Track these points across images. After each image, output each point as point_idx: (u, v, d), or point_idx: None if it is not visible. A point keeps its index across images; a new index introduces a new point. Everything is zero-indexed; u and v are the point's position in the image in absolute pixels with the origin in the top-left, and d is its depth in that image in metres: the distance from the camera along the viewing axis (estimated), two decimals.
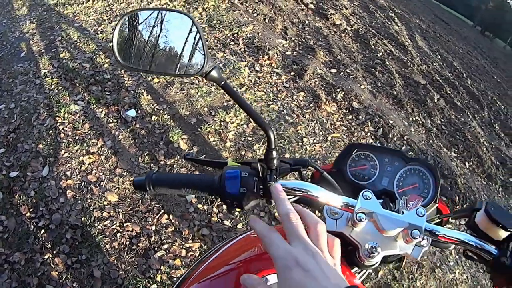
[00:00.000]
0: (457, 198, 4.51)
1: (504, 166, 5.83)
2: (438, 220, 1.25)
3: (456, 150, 5.61)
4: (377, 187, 1.28)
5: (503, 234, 1.01)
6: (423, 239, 1.01)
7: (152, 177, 1.08)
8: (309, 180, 1.27)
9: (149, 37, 1.06)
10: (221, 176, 1.02)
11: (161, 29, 1.04)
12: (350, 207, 1.00)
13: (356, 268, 1.10)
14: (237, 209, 1.06)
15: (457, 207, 4.38)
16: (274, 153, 1.03)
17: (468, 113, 6.97)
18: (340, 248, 0.91)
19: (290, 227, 0.74)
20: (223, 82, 1.00)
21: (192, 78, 1.04)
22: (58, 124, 4.00)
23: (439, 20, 17.95)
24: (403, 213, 0.99)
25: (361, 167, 1.31)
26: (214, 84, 4.46)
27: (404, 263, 1.34)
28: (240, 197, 1.02)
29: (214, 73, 0.99)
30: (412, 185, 1.26)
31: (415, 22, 12.42)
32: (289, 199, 1.09)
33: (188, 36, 1.01)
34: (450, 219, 1.30)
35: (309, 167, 1.18)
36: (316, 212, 1.10)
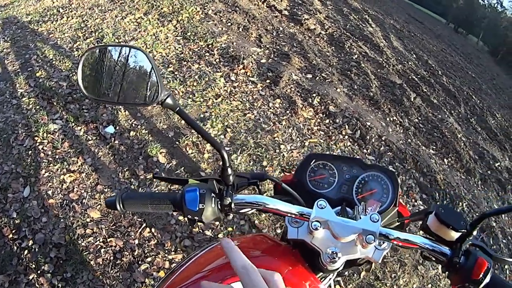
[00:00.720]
0: (437, 194, 4.61)
1: (482, 160, 5.96)
2: (398, 224, 1.30)
3: (434, 147, 5.72)
4: (336, 195, 1.31)
5: (454, 235, 1.05)
6: (381, 243, 1.07)
7: (122, 196, 1.16)
8: (272, 191, 1.34)
9: (109, 71, 1.17)
10: (182, 194, 1.08)
11: (119, 63, 1.15)
12: (305, 216, 1.06)
13: (321, 274, 1.15)
14: (199, 223, 1.13)
15: (438, 203, 4.40)
16: (229, 170, 1.12)
17: (445, 110, 7.09)
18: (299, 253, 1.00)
19: (249, 281, 0.72)
20: (177, 109, 1.10)
21: (151, 105, 1.09)
22: (38, 144, 3.99)
23: (413, 20, 18.09)
24: (360, 219, 1.04)
25: (320, 177, 1.35)
26: (191, 96, 4.55)
27: (373, 265, 1.40)
28: (200, 213, 1.07)
29: (169, 101, 1.09)
30: (370, 191, 1.30)
31: (389, 23, 12.53)
32: (248, 211, 1.17)
33: (143, 69, 1.12)
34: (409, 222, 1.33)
35: (267, 180, 1.24)
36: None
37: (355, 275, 3.33)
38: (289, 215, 1.09)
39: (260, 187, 1.26)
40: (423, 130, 5.99)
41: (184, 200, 1.07)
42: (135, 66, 1.14)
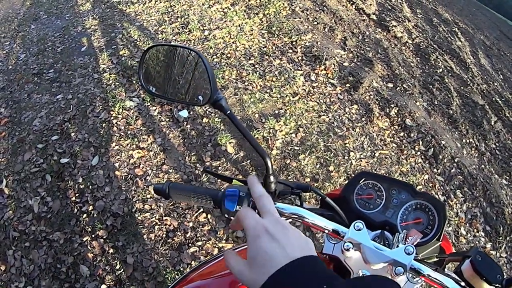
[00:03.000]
0: (501, 228, 4.36)
1: None
2: (436, 259, 1.25)
3: (508, 177, 5.39)
4: (380, 218, 1.29)
5: (486, 287, 1.00)
6: (414, 276, 1.05)
7: (170, 185, 1.20)
8: (319, 203, 1.33)
9: (167, 68, 1.27)
10: (223, 193, 1.10)
11: (177, 62, 1.25)
12: (339, 235, 1.07)
13: None
14: None
15: (500, 238, 4.25)
16: (272, 177, 1.15)
17: None
18: (332, 268, 1.01)
19: (263, 205, 0.82)
20: (228, 112, 1.14)
21: (203, 105, 1.14)
22: (112, 118, 4.14)
23: (504, 37, 17.37)
24: (397, 247, 1.03)
25: (367, 196, 1.34)
26: (268, 91, 4.54)
27: None
28: (235, 214, 1.06)
29: (221, 103, 1.14)
30: (415, 220, 1.27)
31: (479, 38, 12.09)
32: (286, 220, 1.13)
33: (199, 71, 1.19)
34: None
35: (311, 192, 1.22)
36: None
37: None
38: (325, 231, 1.10)
39: (303, 198, 1.24)
40: (499, 157, 5.68)
41: (224, 199, 1.09)
42: (192, 68, 1.22)
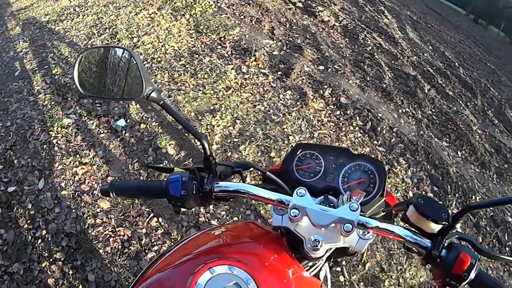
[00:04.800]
0: (449, 187, 4.54)
1: (499, 153, 5.82)
2: (384, 214, 1.31)
3: (447, 139, 5.62)
4: (322, 184, 1.33)
5: (435, 227, 1.04)
6: (365, 232, 1.09)
7: (115, 185, 1.24)
8: (261, 180, 1.37)
9: (100, 69, 1.32)
10: (166, 181, 1.16)
11: (109, 62, 1.29)
12: (285, 204, 1.09)
13: (306, 262, 1.17)
14: (182, 209, 1.19)
15: (449, 196, 4.42)
16: (211, 158, 1.19)
17: (461, 102, 6.96)
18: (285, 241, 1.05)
19: None
20: (162, 102, 1.19)
21: (138, 99, 1.17)
22: (52, 138, 4.09)
23: (430, 11, 17.84)
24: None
25: (306, 166, 1.37)
26: (201, 89, 4.59)
27: (365, 255, 1.43)
28: (182, 199, 1.15)
29: (153, 95, 1.19)
30: (357, 180, 1.31)
31: (406, 14, 12.39)
32: (229, 199, 1.23)
33: (130, 66, 1.24)
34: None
35: (251, 168, 1.30)
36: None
37: (359, 266, 3.34)
38: (269, 202, 1.12)
39: (245, 176, 1.31)
40: (437, 122, 5.90)
41: (168, 187, 1.15)
42: (123, 65, 1.26)
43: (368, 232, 1.09)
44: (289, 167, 1.38)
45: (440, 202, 1.20)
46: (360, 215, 1.04)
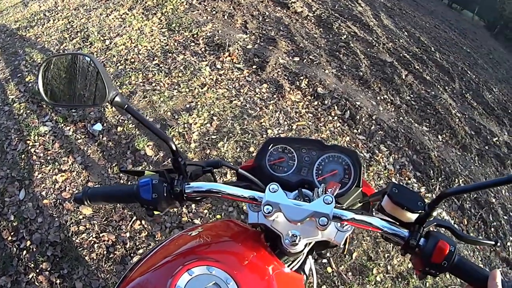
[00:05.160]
0: (431, 171, 4.58)
1: (479, 135, 5.88)
2: (361, 205, 1.32)
3: (427, 124, 5.66)
4: (296, 178, 1.32)
5: (411, 216, 1.04)
6: (343, 225, 1.10)
7: (88, 192, 1.23)
8: (234, 178, 1.36)
9: (63, 77, 1.29)
10: (137, 185, 1.15)
11: (71, 69, 1.27)
12: (258, 201, 1.09)
13: (286, 257, 1.17)
14: (155, 212, 1.18)
15: (432, 180, 4.47)
16: (180, 159, 1.17)
17: (439, 86, 7.00)
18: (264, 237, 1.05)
19: None
20: (126, 106, 1.16)
21: (102, 105, 1.17)
22: (30, 147, 4.05)
23: None
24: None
25: (279, 160, 1.37)
26: (176, 88, 4.56)
27: (347, 246, 1.43)
28: (154, 202, 1.13)
29: (117, 99, 1.17)
30: (331, 173, 1.31)
31: (380, 2, 12.36)
32: (202, 199, 1.22)
33: (92, 72, 1.22)
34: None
35: (223, 167, 1.29)
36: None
37: (347, 256, 3.36)
38: (242, 200, 1.12)
39: (216, 174, 1.29)
40: (416, 107, 5.93)
41: (139, 191, 1.13)
42: (85, 71, 1.24)
43: (346, 225, 1.09)
44: (261, 162, 1.38)
45: (414, 191, 1.19)
46: (337, 207, 1.04)
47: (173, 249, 1.17)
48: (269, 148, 1.39)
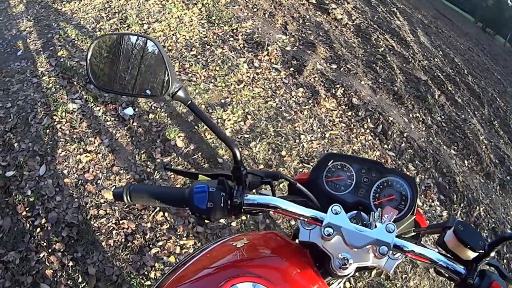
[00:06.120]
0: (455, 196, 4.50)
1: (503, 164, 5.84)
2: (413, 234, 1.25)
3: (455, 147, 5.59)
4: (353, 198, 1.27)
5: (471, 254, 1.01)
6: (395, 253, 1.03)
7: (130, 188, 1.12)
8: (287, 190, 1.30)
9: (119, 60, 1.15)
10: (190, 190, 1.05)
11: (129, 52, 1.13)
12: (319, 221, 1.02)
13: (330, 278, 1.12)
14: (206, 221, 1.09)
15: (455, 205, 4.38)
16: (242, 168, 1.09)
17: (469, 110, 6.95)
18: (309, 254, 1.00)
19: None
20: (189, 102, 1.07)
21: (161, 98, 1.08)
22: (56, 123, 3.98)
23: (441, 16, 17.86)
24: (375, 227, 1.01)
25: (337, 178, 1.31)
26: (213, 81, 4.49)
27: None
28: (208, 212, 1.04)
29: (180, 94, 1.07)
30: (388, 197, 1.25)
31: (417, 17, 12.34)
32: (259, 213, 1.16)
33: (154, 60, 1.09)
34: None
35: (281, 179, 1.19)
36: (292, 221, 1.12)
37: (366, 273, 3.26)
38: (301, 218, 1.06)
39: (274, 187, 1.20)
40: (446, 129, 5.86)
41: (193, 198, 1.05)
42: (146, 57, 1.11)
43: (397, 253, 1.04)
44: (319, 178, 1.31)
45: (477, 230, 1.13)
46: (397, 236, 1.01)
47: (213, 260, 1.13)
48: (328, 164, 1.33)
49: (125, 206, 3.28)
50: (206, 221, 1.03)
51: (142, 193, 1.13)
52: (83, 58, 4.88)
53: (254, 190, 1.20)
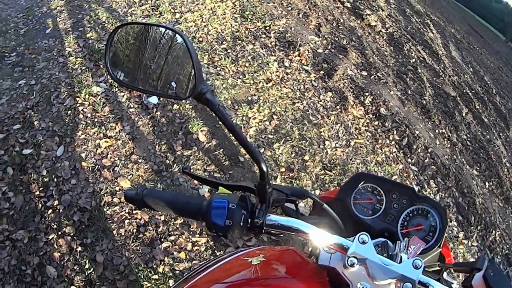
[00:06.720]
0: (472, 218, 4.42)
1: None
2: (438, 268, 1.20)
3: (478, 168, 5.49)
4: (380, 225, 1.23)
5: None
6: None
7: (144, 192, 1.07)
8: (311, 208, 1.27)
9: (141, 54, 1.04)
10: (209, 204, 0.98)
11: (154, 46, 1.02)
12: (343, 249, 0.95)
13: None
14: (222, 237, 1.01)
15: (472, 228, 4.30)
16: (267, 186, 1.01)
17: (494, 131, 6.86)
18: (327, 278, 0.98)
19: None
20: (217, 106, 0.96)
21: (186, 99, 1.01)
22: (78, 105, 3.95)
23: (473, 32, 17.68)
24: (400, 258, 0.93)
25: (366, 201, 1.27)
26: (241, 77, 4.41)
27: None
28: (225, 229, 0.97)
29: (207, 96, 0.95)
30: (417, 227, 1.21)
31: (450, 31, 12.20)
32: (280, 234, 1.15)
33: (181, 56, 0.98)
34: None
35: (307, 198, 1.14)
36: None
37: None
38: (325, 244, 0.97)
39: (299, 207, 1.15)
40: (470, 148, 5.77)
41: (210, 212, 0.97)
42: (172, 52, 1.00)
43: None
44: (347, 199, 1.28)
45: (506, 275, 1.07)
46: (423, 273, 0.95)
47: (229, 274, 1.07)
48: (358, 185, 1.29)
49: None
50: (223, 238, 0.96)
51: (156, 198, 1.07)
52: None
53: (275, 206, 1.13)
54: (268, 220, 0.99)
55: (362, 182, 1.28)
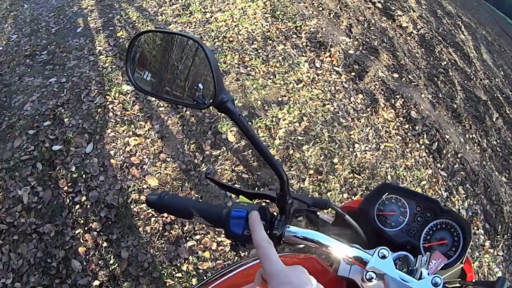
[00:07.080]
0: (499, 227, 4.32)
1: None
2: (458, 285, 1.17)
3: (507, 175, 5.35)
4: (402, 237, 1.22)
5: None
6: None
7: (165, 198, 1.08)
8: (334, 216, 1.24)
9: (161, 62, 1.06)
10: (228, 213, 0.98)
11: (175, 54, 1.03)
12: (362, 263, 0.95)
13: None
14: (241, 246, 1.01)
15: (498, 236, 4.21)
16: (287, 197, 1.00)
17: None
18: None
19: (264, 253, 0.82)
20: (238, 116, 0.94)
21: (205, 108, 1.02)
22: (108, 103, 4.00)
23: (504, 34, 17.33)
24: (420, 274, 0.92)
25: (389, 213, 1.26)
26: (271, 78, 4.39)
27: None
28: (243, 239, 0.97)
29: (228, 106, 0.93)
30: (440, 241, 1.19)
31: (481, 33, 11.99)
32: (299, 245, 1.07)
33: (202, 65, 0.97)
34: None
35: (329, 209, 1.12)
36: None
37: None
38: (344, 257, 0.97)
39: (320, 218, 1.16)
40: (500, 154, 5.64)
41: (229, 221, 0.97)
42: (192, 61, 1.00)
43: None
44: (370, 209, 1.27)
45: None
46: None
47: (249, 280, 1.02)
48: (383, 196, 1.28)
49: None
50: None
51: (177, 205, 1.08)
52: None
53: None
54: (287, 231, 0.98)
55: (386, 194, 1.27)
